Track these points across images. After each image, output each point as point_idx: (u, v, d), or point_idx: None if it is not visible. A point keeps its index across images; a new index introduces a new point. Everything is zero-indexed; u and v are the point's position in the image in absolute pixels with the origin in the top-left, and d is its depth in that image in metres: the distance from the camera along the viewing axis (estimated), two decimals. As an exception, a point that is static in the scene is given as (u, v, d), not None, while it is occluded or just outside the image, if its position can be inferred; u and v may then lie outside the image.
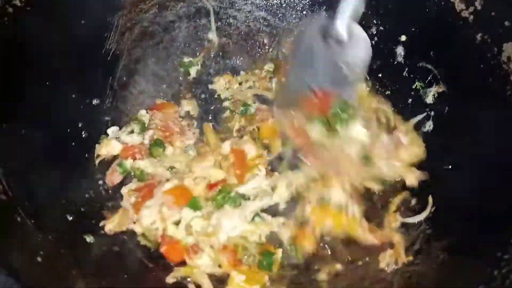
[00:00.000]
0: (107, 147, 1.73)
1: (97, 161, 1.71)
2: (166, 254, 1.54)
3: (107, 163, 1.74)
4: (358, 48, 1.69)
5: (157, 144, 1.76)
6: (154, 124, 1.82)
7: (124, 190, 1.66)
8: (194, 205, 1.58)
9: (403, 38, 1.85)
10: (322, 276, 1.53)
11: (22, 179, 1.33)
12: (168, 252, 1.53)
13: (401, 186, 1.72)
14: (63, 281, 1.20)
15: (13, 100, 1.48)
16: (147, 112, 1.86)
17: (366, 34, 1.70)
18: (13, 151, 1.39)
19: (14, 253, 1.09)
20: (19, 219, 1.25)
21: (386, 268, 1.51)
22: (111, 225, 1.54)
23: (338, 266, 1.56)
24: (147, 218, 1.56)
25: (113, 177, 1.71)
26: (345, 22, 1.64)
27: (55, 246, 1.29)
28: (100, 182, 1.71)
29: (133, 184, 1.68)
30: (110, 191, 1.70)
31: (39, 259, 1.18)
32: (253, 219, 1.60)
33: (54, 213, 1.40)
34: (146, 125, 1.82)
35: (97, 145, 1.74)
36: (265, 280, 1.51)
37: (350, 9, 1.62)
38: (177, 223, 1.56)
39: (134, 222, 1.59)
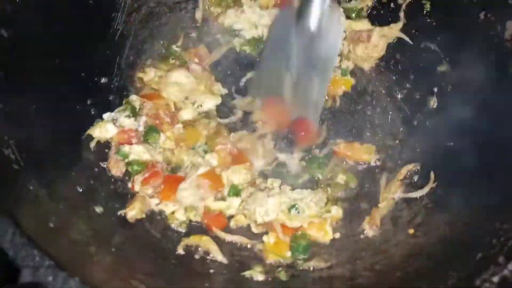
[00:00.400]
0: (102, 130, 1.71)
1: (92, 144, 1.68)
2: (210, 224, 1.61)
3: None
4: (328, 40, 1.70)
5: (152, 130, 1.75)
6: (146, 111, 1.80)
7: (136, 187, 1.66)
8: (235, 191, 1.66)
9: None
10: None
11: (32, 151, 1.36)
12: (212, 222, 1.62)
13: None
14: (74, 245, 1.24)
15: (23, 76, 1.51)
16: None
17: (339, 24, 1.71)
18: (24, 124, 1.42)
19: (27, 218, 1.13)
20: (31, 187, 1.28)
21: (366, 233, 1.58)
22: (133, 212, 1.57)
23: (337, 235, 1.59)
24: (186, 199, 1.61)
25: (117, 167, 1.68)
26: (315, 15, 1.64)
27: (66, 214, 1.33)
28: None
29: (140, 177, 1.67)
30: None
31: (51, 224, 1.22)
32: (289, 210, 1.60)
33: (64, 184, 1.44)
34: (137, 110, 1.80)
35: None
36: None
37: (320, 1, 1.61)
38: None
39: (158, 204, 1.63)
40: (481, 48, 1.64)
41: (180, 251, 1.53)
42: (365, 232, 1.60)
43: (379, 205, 1.65)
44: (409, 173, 1.71)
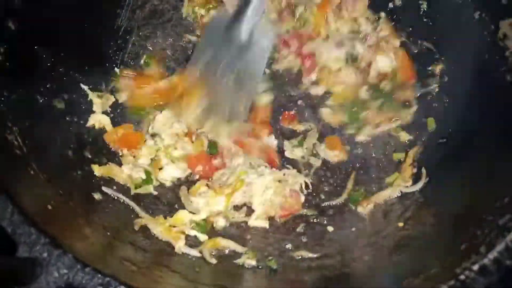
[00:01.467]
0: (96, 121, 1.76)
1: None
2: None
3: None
4: (257, 52, 1.69)
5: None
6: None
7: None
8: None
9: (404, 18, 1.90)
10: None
11: (36, 138, 1.43)
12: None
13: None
14: (71, 226, 1.29)
15: (29, 67, 1.58)
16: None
17: (269, 38, 1.71)
18: (29, 112, 1.48)
19: (26, 199, 1.18)
20: (32, 172, 1.34)
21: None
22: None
23: (330, 229, 1.63)
24: None
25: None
26: (246, 25, 1.64)
27: (64, 199, 1.38)
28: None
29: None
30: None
31: (49, 207, 1.27)
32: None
33: (64, 170, 1.49)
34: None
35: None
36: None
37: (252, 11, 1.60)
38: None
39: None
40: (475, 47, 1.67)
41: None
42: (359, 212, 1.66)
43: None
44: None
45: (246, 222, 1.63)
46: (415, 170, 1.71)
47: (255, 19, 1.64)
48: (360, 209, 1.67)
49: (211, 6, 2.02)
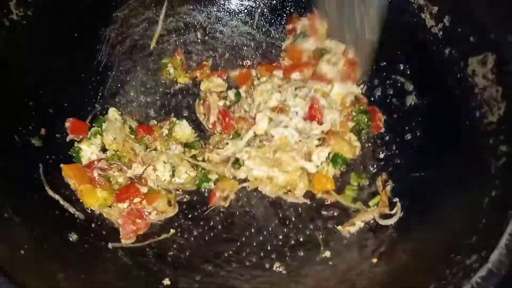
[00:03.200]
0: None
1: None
2: None
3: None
4: None
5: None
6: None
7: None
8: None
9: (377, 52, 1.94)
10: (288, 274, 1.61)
11: (10, 179, 1.44)
12: None
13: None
14: (44, 272, 1.29)
15: (5, 108, 1.60)
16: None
17: None
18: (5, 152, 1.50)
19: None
20: (6, 215, 1.35)
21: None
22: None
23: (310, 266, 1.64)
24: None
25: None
26: None
27: (39, 241, 1.38)
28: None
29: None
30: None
31: (22, 252, 1.28)
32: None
33: (39, 210, 1.50)
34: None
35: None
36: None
37: None
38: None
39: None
40: (446, 83, 1.71)
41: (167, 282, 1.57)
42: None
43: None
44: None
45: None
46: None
47: None
48: (343, 231, 1.70)
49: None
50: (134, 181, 1.76)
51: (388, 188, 1.77)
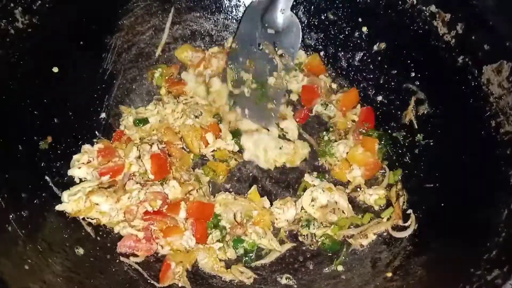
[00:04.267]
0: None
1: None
2: None
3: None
4: (292, 34, 1.94)
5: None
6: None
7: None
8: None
9: (389, 60, 1.91)
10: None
11: (15, 191, 1.40)
12: None
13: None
14: (49, 287, 1.25)
15: (15, 118, 1.57)
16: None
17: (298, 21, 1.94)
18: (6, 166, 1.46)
19: (2, 260, 1.14)
20: (10, 228, 1.31)
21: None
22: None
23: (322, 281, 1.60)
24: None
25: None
26: (281, 14, 1.88)
27: (44, 256, 1.34)
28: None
29: None
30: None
31: (26, 267, 1.23)
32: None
33: (44, 224, 1.46)
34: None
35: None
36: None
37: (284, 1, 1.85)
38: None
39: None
40: (460, 92, 1.67)
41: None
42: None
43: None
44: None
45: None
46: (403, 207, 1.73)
47: (287, 4, 1.89)
48: (354, 244, 1.67)
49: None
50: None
51: (401, 199, 1.73)
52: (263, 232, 1.69)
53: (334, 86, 2.05)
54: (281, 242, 1.71)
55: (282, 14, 1.90)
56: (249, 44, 2.00)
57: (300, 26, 1.96)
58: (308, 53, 2.10)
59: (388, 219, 1.72)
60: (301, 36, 1.97)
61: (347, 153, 1.87)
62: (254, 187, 1.83)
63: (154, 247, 1.64)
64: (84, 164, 1.73)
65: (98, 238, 1.62)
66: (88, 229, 1.61)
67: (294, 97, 2.06)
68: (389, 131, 1.91)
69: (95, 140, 1.84)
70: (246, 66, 2.02)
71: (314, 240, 1.72)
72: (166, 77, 2.06)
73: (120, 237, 1.65)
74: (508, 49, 1.53)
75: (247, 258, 1.67)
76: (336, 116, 1.98)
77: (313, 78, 2.04)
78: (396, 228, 1.69)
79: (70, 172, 1.71)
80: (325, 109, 1.99)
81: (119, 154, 1.80)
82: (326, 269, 1.64)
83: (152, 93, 2.04)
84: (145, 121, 1.92)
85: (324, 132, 1.97)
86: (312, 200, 1.75)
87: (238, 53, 2.02)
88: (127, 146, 1.82)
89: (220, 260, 1.67)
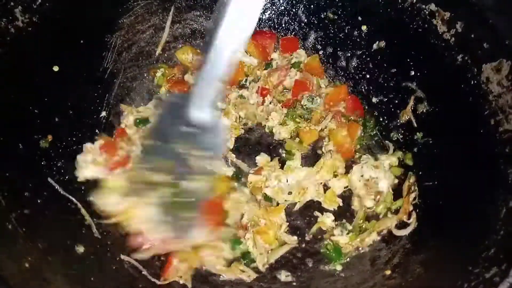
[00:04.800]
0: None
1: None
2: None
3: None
4: (216, 131, 1.58)
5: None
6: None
7: None
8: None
9: (388, 59, 1.91)
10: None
11: (15, 190, 1.40)
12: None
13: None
14: (49, 285, 1.26)
15: (15, 116, 1.58)
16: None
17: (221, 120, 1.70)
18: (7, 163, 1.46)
19: (3, 259, 1.15)
20: (10, 226, 1.31)
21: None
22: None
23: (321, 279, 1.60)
24: None
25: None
26: (202, 109, 1.53)
27: (44, 254, 1.35)
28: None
29: None
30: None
31: (26, 265, 1.24)
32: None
33: (44, 222, 1.46)
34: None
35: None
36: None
37: (206, 95, 1.50)
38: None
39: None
40: (459, 90, 1.67)
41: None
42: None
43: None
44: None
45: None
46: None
47: (209, 98, 1.52)
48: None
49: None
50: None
51: (413, 195, 1.71)
52: (259, 246, 1.68)
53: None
54: (281, 243, 1.71)
55: (208, 109, 1.53)
56: (163, 141, 1.57)
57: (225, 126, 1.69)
58: (308, 52, 2.11)
59: (395, 213, 1.71)
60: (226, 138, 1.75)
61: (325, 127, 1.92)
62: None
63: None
64: (91, 164, 1.74)
65: (99, 236, 1.62)
66: (90, 225, 1.62)
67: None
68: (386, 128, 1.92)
69: (96, 137, 1.84)
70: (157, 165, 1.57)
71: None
72: (168, 78, 2.07)
73: (121, 234, 1.64)
74: (507, 47, 1.53)
75: (247, 260, 1.66)
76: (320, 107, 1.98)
77: (306, 74, 2.03)
78: (397, 225, 1.70)
79: (78, 174, 1.71)
80: (311, 103, 1.98)
81: (123, 146, 1.81)
82: (325, 267, 1.65)
83: (153, 91, 2.05)
84: (146, 121, 1.92)
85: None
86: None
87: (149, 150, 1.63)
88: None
89: (224, 258, 1.66)
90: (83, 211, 1.62)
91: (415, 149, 1.81)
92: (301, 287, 1.59)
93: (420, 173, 1.75)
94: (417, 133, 1.81)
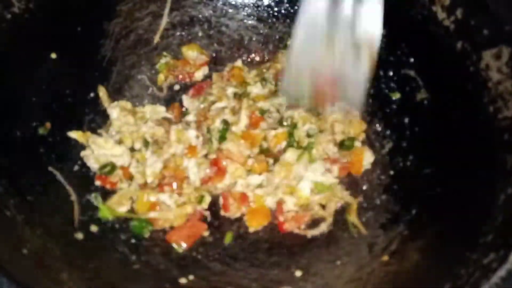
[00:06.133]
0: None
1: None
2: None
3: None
4: (371, 15, 1.43)
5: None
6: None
7: None
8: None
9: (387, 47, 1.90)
10: (298, 273, 1.58)
11: (14, 177, 1.40)
12: None
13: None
14: (48, 272, 1.26)
15: (12, 104, 1.57)
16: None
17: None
18: (6, 150, 1.46)
19: (1, 245, 1.16)
20: (8, 213, 1.32)
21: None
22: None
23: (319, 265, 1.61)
24: None
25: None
26: None
27: (42, 240, 1.35)
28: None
29: None
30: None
31: (24, 251, 1.24)
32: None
33: (43, 208, 1.47)
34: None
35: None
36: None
37: None
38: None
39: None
40: (458, 77, 1.67)
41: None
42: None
43: None
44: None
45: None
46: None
47: None
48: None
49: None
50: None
51: None
52: None
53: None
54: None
55: None
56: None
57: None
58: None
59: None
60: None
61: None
62: None
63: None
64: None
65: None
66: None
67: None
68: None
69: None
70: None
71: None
72: (170, 68, 2.05)
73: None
74: (507, 34, 1.52)
75: None
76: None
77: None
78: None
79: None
80: None
81: None
82: (324, 253, 1.65)
83: (152, 80, 2.04)
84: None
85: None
86: None
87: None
88: None
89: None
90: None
91: (414, 137, 1.81)
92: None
93: (418, 160, 1.74)
94: (416, 121, 1.80)
